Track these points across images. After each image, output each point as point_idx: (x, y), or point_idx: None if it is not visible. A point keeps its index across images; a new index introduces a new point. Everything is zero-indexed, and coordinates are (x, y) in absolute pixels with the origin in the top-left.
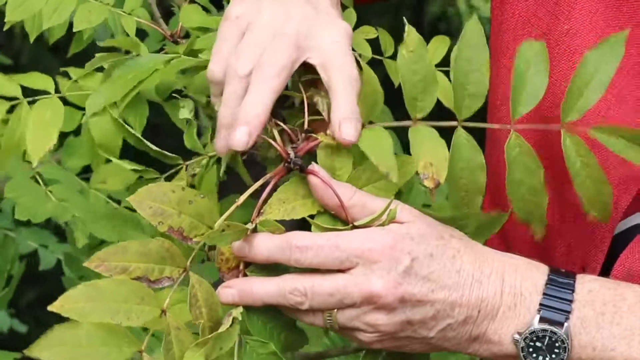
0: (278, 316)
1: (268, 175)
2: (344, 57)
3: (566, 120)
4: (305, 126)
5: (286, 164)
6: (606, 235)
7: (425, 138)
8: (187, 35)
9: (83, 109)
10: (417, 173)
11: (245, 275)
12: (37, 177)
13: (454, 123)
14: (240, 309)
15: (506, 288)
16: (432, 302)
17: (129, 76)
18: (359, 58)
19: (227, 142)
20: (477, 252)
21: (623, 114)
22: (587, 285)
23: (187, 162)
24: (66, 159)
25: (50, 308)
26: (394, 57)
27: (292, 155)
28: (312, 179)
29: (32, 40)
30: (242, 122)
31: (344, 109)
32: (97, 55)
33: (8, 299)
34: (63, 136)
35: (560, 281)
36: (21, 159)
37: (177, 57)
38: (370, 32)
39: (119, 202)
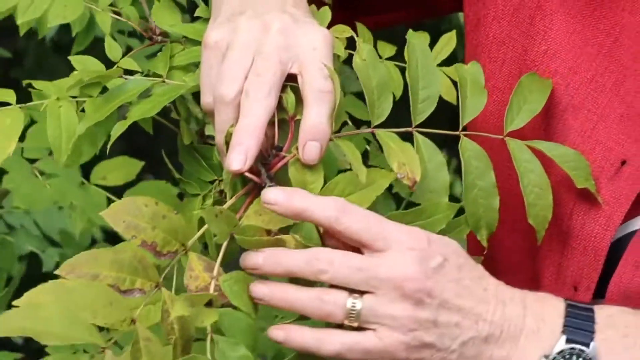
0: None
1: (240, 193)
2: (317, 68)
3: (508, 129)
4: (276, 142)
5: (261, 186)
6: (600, 253)
7: (390, 141)
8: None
9: None
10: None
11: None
12: (36, 172)
13: (409, 129)
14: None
15: (528, 312)
16: (458, 308)
17: (113, 103)
18: (331, 69)
19: (222, 151)
20: (498, 280)
21: (607, 131)
22: (606, 310)
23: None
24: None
25: (15, 303)
26: None
27: (263, 172)
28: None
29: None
30: (236, 143)
31: (309, 125)
32: (74, 73)
33: (8, 299)
34: None
35: (580, 306)
36: (20, 155)
37: (160, 82)
38: (345, 31)
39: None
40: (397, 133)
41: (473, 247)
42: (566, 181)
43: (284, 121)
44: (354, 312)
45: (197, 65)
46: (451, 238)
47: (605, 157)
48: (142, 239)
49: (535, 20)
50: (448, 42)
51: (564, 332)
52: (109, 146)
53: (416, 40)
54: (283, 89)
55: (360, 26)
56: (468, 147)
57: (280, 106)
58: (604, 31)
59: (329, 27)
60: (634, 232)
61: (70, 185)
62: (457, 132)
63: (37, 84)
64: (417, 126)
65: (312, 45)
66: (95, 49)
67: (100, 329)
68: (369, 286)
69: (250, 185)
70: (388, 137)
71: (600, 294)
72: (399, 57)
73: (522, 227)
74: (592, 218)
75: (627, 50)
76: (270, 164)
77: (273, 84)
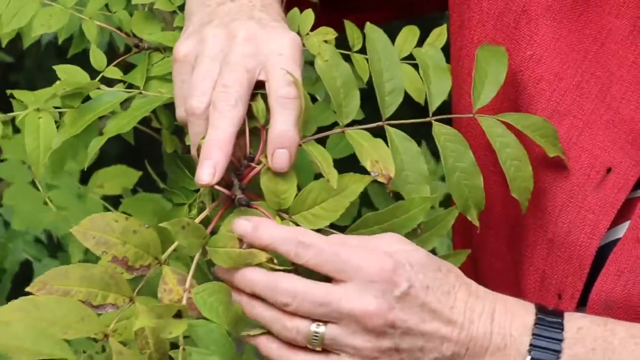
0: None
1: (213, 205)
2: (281, 74)
3: (476, 107)
4: (248, 152)
5: (232, 200)
6: (585, 262)
7: (361, 139)
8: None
9: None
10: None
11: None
12: (37, 182)
13: (379, 123)
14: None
15: (495, 328)
16: (422, 333)
17: (88, 116)
18: (295, 74)
19: (195, 180)
20: (470, 290)
21: (593, 138)
22: (576, 323)
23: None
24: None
25: None
26: (362, 51)
27: (236, 183)
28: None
29: (3, 44)
30: (205, 157)
31: (276, 133)
32: (57, 83)
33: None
34: None
35: (549, 320)
36: (21, 162)
37: (138, 94)
38: (329, 32)
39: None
40: (368, 129)
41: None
42: (551, 188)
43: (257, 129)
44: (316, 339)
45: None
46: (438, 230)
47: (591, 164)
48: (113, 254)
49: (521, 24)
50: (438, 36)
51: (529, 351)
52: (87, 162)
53: (375, 34)
54: (253, 97)
55: (348, 24)
56: (442, 131)
57: (252, 114)
58: (590, 36)
59: (316, 26)
60: (618, 239)
61: (70, 197)
62: (427, 119)
63: (18, 94)
64: (387, 119)
65: (279, 50)
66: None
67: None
68: (332, 318)
69: (223, 197)
70: (359, 136)
71: (584, 302)
72: None
73: (505, 232)
74: (577, 226)
75: (613, 56)
76: (242, 174)
77: (240, 95)
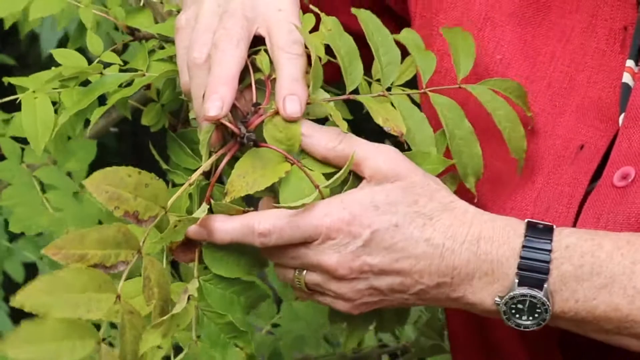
0: (237, 281)
1: (220, 152)
2: (286, 28)
3: (460, 77)
4: (254, 100)
5: (239, 140)
6: None
7: (369, 102)
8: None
9: None
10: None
11: (200, 252)
12: (35, 181)
13: (380, 93)
14: (196, 284)
15: (481, 255)
16: (397, 271)
17: (94, 94)
18: (300, 28)
19: (201, 115)
20: (455, 217)
21: (566, 125)
22: (565, 241)
23: None
24: (62, 161)
25: (12, 304)
26: None
27: (243, 130)
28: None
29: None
30: (211, 92)
31: (286, 83)
32: (58, 68)
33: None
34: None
35: (537, 240)
36: (19, 162)
37: (141, 74)
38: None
39: None
40: (372, 97)
41: None
42: (529, 170)
43: (260, 82)
44: (299, 283)
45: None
46: None
47: (565, 146)
48: (125, 209)
49: (485, 31)
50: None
51: (517, 275)
52: (90, 129)
53: (364, 14)
54: (256, 52)
55: None
56: (438, 101)
57: (255, 67)
58: (554, 38)
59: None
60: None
61: (68, 197)
62: (422, 90)
63: (15, 79)
64: (386, 89)
65: (278, 6)
66: None
67: None
68: (307, 267)
69: (230, 144)
70: (366, 100)
71: None
72: None
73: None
74: (556, 200)
75: (578, 47)
76: (249, 122)
77: (241, 36)
